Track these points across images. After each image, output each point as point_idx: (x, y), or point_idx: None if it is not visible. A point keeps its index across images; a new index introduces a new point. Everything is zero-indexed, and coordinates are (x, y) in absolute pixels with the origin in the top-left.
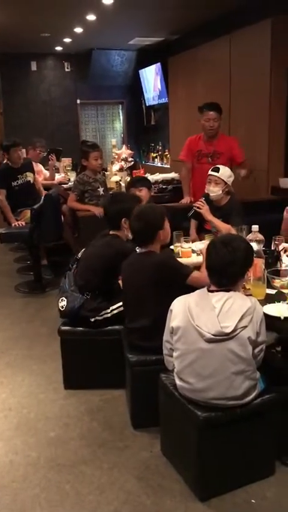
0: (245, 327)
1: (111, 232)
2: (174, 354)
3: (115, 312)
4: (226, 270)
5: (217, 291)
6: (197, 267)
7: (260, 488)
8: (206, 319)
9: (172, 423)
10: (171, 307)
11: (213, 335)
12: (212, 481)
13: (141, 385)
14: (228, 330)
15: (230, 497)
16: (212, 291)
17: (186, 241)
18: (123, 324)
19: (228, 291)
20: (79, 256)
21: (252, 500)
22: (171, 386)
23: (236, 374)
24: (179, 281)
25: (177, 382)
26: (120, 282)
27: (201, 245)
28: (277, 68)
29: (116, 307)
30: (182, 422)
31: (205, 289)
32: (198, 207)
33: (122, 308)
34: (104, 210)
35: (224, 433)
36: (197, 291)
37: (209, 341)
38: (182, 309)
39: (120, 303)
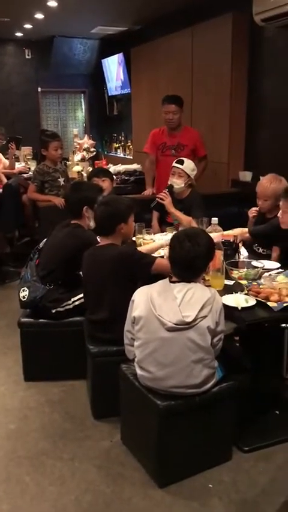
0: (205, 316)
1: (72, 222)
2: (136, 343)
3: (77, 303)
4: (190, 264)
5: (178, 281)
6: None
7: (218, 473)
8: (167, 308)
9: (132, 412)
10: (133, 298)
11: (174, 324)
12: (171, 467)
13: (102, 375)
14: (189, 319)
15: (188, 483)
16: (173, 282)
17: (148, 233)
18: (84, 315)
19: (189, 282)
20: (41, 246)
21: (210, 485)
22: (132, 377)
23: (196, 362)
24: (143, 272)
25: (138, 371)
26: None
27: (163, 237)
28: (238, 62)
29: (78, 298)
30: (142, 412)
31: (167, 280)
32: (161, 198)
33: (83, 299)
34: (65, 199)
35: (183, 421)
36: (159, 282)
37: (170, 330)
38: (143, 299)
39: (82, 294)
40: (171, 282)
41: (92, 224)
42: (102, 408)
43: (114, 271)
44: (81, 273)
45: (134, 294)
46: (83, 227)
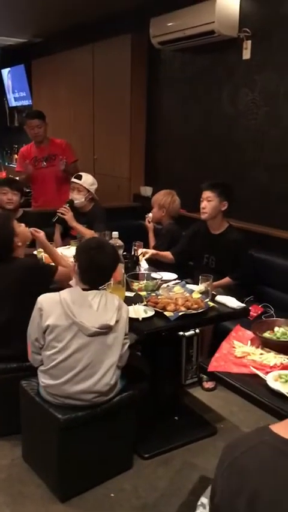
0: (119, 321)
1: None
2: (48, 352)
3: None
4: (103, 272)
5: (89, 289)
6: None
7: (119, 482)
8: (87, 315)
9: (33, 428)
10: (38, 306)
11: (97, 328)
12: (73, 481)
13: (1, 393)
14: (112, 323)
15: (90, 495)
16: (85, 289)
17: None
18: None
19: (98, 289)
20: None
21: (111, 494)
22: (32, 392)
23: (108, 368)
24: (47, 281)
25: (44, 380)
26: None
27: (66, 251)
28: (137, 82)
29: None
30: (42, 427)
31: (78, 288)
32: (62, 213)
33: None
34: None
35: (83, 433)
36: (68, 290)
37: (93, 335)
38: (57, 307)
39: None
40: (83, 289)
41: None
42: (2, 426)
43: (23, 281)
44: None
45: (40, 302)
46: None
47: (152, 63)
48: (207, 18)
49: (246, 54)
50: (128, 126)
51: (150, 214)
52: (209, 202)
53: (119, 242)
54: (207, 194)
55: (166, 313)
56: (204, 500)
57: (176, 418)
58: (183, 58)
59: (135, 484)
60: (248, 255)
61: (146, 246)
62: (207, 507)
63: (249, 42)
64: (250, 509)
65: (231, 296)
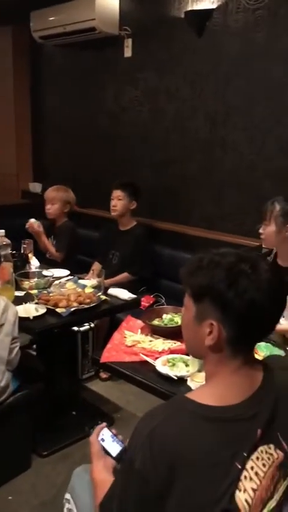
0: (4, 324)
1: None
2: None
3: None
4: None
5: None
6: None
7: (18, 483)
8: None
9: None
10: None
11: None
12: None
13: None
14: None
15: None
16: None
17: None
18: None
19: None
20: None
21: (9, 497)
22: None
23: None
24: None
25: None
26: None
27: None
28: (20, 76)
29: None
30: None
31: None
32: None
33: None
34: None
35: None
36: None
37: None
38: None
39: None
40: None
41: None
42: None
43: None
44: None
45: None
46: None
47: (35, 57)
48: (87, 15)
49: (128, 52)
50: (13, 121)
51: (32, 220)
52: (119, 201)
53: (6, 240)
54: (117, 193)
55: (58, 309)
56: (68, 496)
57: (73, 413)
58: (66, 53)
59: (33, 483)
60: (148, 250)
61: (36, 245)
62: (72, 501)
63: (130, 40)
64: (171, 472)
65: (125, 288)
